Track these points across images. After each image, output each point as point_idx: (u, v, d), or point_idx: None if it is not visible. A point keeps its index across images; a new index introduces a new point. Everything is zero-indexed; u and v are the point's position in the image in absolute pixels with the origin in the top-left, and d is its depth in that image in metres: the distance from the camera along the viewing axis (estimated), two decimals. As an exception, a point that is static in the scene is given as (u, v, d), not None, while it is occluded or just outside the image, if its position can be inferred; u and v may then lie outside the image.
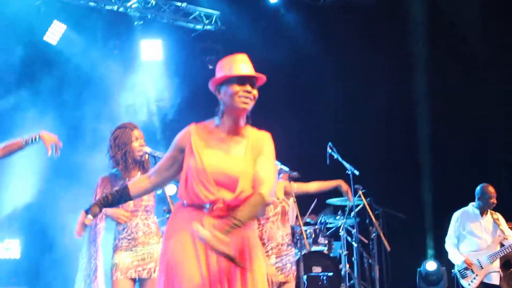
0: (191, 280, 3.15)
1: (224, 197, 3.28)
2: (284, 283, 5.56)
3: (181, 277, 3.16)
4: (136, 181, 3.55)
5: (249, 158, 3.32)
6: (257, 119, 3.50)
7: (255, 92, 3.35)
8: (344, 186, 6.03)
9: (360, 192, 7.50)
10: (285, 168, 6.18)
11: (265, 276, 3.38)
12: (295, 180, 7.66)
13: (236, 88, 3.30)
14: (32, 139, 4.63)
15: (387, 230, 7.86)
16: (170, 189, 7.73)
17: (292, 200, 6.49)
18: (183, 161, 3.37)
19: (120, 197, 3.53)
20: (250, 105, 3.33)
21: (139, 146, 4.88)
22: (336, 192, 8.73)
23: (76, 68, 8.84)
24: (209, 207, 3.28)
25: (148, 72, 9.47)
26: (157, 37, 9.66)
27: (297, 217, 6.47)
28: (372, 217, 7.34)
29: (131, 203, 4.80)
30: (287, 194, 6.03)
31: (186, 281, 3.15)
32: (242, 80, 3.32)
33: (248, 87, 3.31)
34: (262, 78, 3.38)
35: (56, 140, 4.69)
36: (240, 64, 3.35)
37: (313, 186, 6.08)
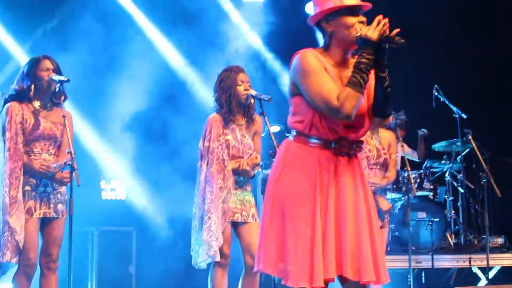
0: (308, 220, 3.06)
1: (348, 134, 3.16)
2: (380, 227, 5.48)
3: (298, 216, 3.07)
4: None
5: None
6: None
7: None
8: None
9: (469, 136, 7.25)
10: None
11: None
12: (403, 123, 7.52)
13: (351, 20, 3.13)
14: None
15: (495, 176, 7.57)
16: (274, 128, 7.71)
17: (399, 145, 6.35)
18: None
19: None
20: None
21: (244, 90, 4.82)
22: (441, 137, 8.59)
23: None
24: (335, 144, 3.13)
25: (250, 14, 9.35)
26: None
27: (404, 161, 6.33)
28: (482, 162, 7.09)
29: (240, 148, 4.81)
30: (391, 145, 5.89)
31: (303, 221, 3.06)
32: (355, 10, 3.16)
33: (362, 18, 3.17)
34: (369, 6, 3.21)
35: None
36: None
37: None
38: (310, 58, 3.13)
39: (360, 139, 3.25)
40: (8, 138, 4.37)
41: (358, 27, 3.12)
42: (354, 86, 3.02)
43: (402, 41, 3.02)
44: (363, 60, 3.05)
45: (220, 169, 4.70)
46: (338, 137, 3.14)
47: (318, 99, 3.07)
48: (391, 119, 3.23)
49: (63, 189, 4.56)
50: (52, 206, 4.48)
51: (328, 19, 3.17)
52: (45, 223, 4.50)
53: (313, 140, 3.15)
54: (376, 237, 3.15)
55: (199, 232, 4.69)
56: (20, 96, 4.51)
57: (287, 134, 3.33)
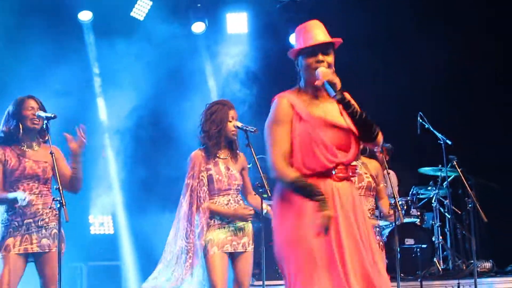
0: (321, 255, 3.16)
1: (342, 159, 3.28)
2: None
3: (310, 253, 3.16)
4: (289, 170, 3.29)
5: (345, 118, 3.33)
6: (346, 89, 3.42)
7: (329, 59, 3.31)
8: None
9: (454, 162, 7.32)
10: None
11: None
12: (390, 151, 7.59)
13: (309, 60, 3.29)
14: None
15: (480, 201, 7.63)
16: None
17: (386, 172, 6.39)
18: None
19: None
20: None
21: (233, 127, 4.86)
22: (428, 161, 8.67)
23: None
24: (333, 171, 3.25)
25: (234, 45, 9.45)
26: (242, 10, 9.60)
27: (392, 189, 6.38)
28: (467, 187, 7.15)
29: (225, 181, 4.82)
30: (379, 174, 5.93)
31: (317, 257, 3.16)
32: (313, 50, 3.30)
33: (320, 57, 3.29)
34: (337, 42, 3.35)
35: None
36: (310, 33, 3.32)
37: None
38: (282, 107, 3.31)
39: (353, 162, 3.37)
40: None
41: (314, 66, 3.29)
42: (293, 185, 3.23)
43: (339, 96, 3.26)
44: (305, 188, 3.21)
45: (197, 207, 4.74)
46: (336, 163, 3.25)
47: (269, 148, 3.31)
48: (381, 139, 3.33)
49: (52, 224, 4.59)
50: (35, 241, 4.52)
51: (296, 61, 3.38)
52: (36, 259, 4.56)
53: (313, 173, 3.26)
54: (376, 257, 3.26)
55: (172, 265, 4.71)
56: (9, 139, 4.59)
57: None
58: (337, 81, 3.25)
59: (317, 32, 3.32)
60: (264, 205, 4.88)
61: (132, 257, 8.23)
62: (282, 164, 3.24)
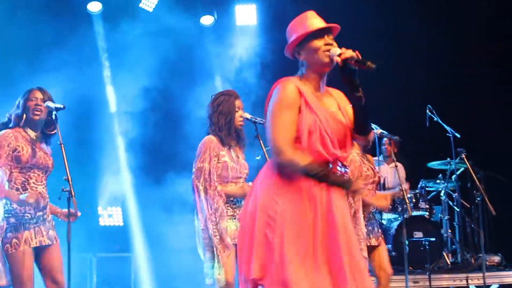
0: (304, 241, 3.14)
1: (338, 154, 3.26)
2: (377, 246, 5.49)
3: (294, 237, 3.13)
4: (298, 154, 3.21)
5: (343, 114, 3.34)
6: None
7: (335, 43, 3.30)
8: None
9: (463, 155, 7.30)
10: (385, 132, 6.06)
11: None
12: (398, 144, 7.57)
13: (317, 43, 3.27)
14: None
15: (489, 194, 7.61)
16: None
17: (393, 165, 6.39)
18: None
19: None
20: None
21: (240, 116, 4.88)
22: (437, 156, 8.65)
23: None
24: (330, 164, 3.23)
25: (243, 37, 9.44)
26: (251, 2, 9.60)
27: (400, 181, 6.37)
28: (476, 180, 7.13)
29: (238, 169, 4.82)
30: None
31: (299, 241, 3.13)
32: (320, 34, 3.28)
33: (328, 39, 3.28)
34: (337, 28, 3.34)
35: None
36: (312, 20, 3.31)
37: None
38: (291, 91, 3.25)
39: (346, 158, 3.37)
40: None
41: (324, 48, 3.24)
42: (306, 171, 3.16)
43: (373, 65, 3.14)
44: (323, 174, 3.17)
45: (213, 189, 4.71)
46: (334, 157, 3.23)
47: (274, 132, 3.21)
48: (372, 135, 3.34)
49: (51, 216, 4.60)
50: (45, 233, 4.50)
51: (299, 49, 3.32)
52: (41, 251, 4.52)
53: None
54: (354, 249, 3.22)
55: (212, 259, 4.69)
56: (14, 124, 4.57)
57: None
58: (357, 54, 3.20)
59: (317, 20, 3.33)
60: None
61: (142, 248, 8.26)
62: (290, 150, 3.17)
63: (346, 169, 3.32)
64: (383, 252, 5.52)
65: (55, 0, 8.42)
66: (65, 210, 4.54)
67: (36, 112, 4.57)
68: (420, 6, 9.48)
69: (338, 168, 3.26)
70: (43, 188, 4.57)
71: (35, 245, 4.42)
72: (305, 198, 3.19)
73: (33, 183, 4.51)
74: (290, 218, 3.17)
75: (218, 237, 4.63)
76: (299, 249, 3.12)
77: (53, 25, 8.09)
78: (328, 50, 3.24)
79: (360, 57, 3.18)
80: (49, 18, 8.08)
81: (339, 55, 3.20)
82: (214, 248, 4.61)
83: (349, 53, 3.20)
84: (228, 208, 4.77)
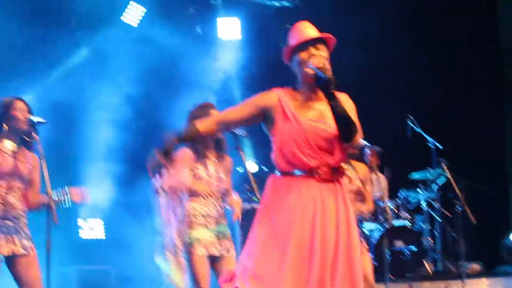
0: (301, 248, 3.15)
1: (327, 160, 3.28)
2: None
3: (290, 246, 3.15)
4: (205, 123, 3.46)
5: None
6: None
7: (322, 53, 3.31)
8: None
9: (444, 166, 7.35)
10: (366, 143, 6.10)
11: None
12: (379, 154, 7.62)
13: (302, 55, 3.30)
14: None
15: (469, 204, 7.67)
16: (252, 167, 7.76)
17: (375, 176, 6.42)
18: (252, 122, 3.40)
19: (191, 134, 3.46)
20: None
21: None
22: (418, 166, 8.71)
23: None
24: (315, 172, 3.25)
25: (227, 51, 9.47)
26: (235, 15, 9.62)
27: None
28: (457, 190, 7.19)
29: (212, 182, 4.80)
30: (367, 178, 5.94)
31: (296, 248, 3.15)
32: (304, 45, 3.31)
33: (312, 51, 3.29)
34: (330, 39, 3.36)
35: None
36: (301, 31, 3.34)
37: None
38: (266, 95, 3.36)
39: (340, 165, 3.35)
40: None
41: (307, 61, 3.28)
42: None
43: (331, 77, 3.18)
44: None
45: (179, 202, 4.69)
46: (320, 164, 3.25)
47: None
48: (358, 142, 3.35)
49: (26, 228, 4.50)
50: (18, 242, 4.40)
51: (290, 61, 3.39)
52: (17, 262, 4.43)
53: (297, 172, 3.28)
54: (355, 257, 3.24)
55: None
56: None
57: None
58: (328, 68, 3.23)
59: (308, 30, 3.35)
60: (236, 209, 4.88)
61: (125, 261, 8.20)
62: (207, 121, 3.50)
63: (340, 176, 3.34)
64: (366, 262, 5.51)
65: (37, 7, 8.38)
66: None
67: (22, 124, 4.51)
68: (403, 18, 9.56)
69: (327, 173, 3.27)
70: (15, 197, 4.46)
71: (6, 254, 4.35)
72: (302, 197, 3.22)
73: (4, 192, 4.40)
74: (278, 215, 3.23)
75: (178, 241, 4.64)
76: (276, 246, 3.17)
77: (34, 32, 8.06)
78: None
79: (326, 70, 3.20)
80: (29, 24, 8.04)
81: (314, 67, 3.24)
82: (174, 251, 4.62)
83: (317, 63, 3.23)
84: (199, 216, 4.70)
